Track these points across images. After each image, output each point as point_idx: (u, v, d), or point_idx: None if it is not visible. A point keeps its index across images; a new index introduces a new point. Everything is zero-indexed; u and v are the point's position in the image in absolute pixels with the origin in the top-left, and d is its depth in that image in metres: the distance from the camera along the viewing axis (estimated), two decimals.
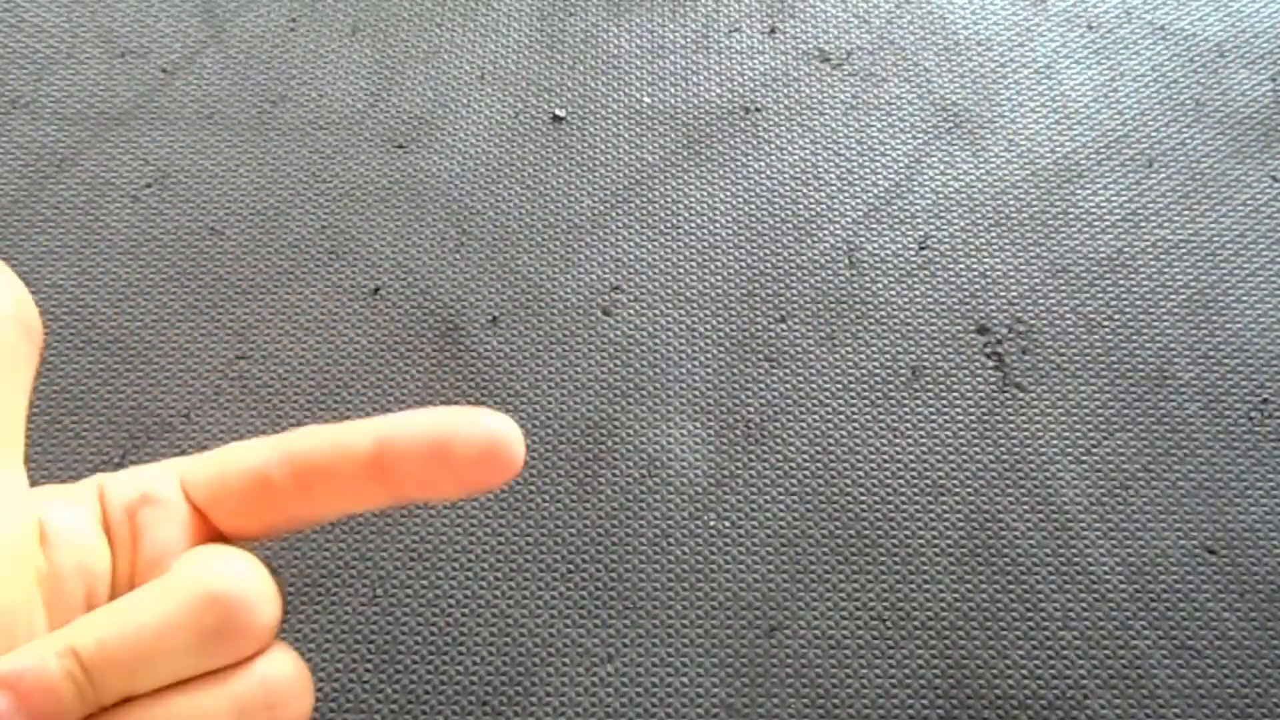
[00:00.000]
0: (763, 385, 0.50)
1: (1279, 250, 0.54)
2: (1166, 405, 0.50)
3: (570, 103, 0.58)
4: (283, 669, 0.18)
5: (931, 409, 0.50)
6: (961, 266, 0.54)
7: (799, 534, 0.47)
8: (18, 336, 0.20)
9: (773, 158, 0.57)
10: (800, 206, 0.55)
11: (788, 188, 0.56)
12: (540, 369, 0.50)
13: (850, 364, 0.51)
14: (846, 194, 0.56)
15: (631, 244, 0.54)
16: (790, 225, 0.55)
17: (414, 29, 0.61)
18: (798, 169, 0.56)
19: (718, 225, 0.55)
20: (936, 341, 0.52)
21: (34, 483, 0.19)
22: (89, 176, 0.55)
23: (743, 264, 0.54)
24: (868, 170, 0.56)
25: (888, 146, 0.57)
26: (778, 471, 0.48)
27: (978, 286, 0.53)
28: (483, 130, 0.57)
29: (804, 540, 0.47)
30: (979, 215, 0.55)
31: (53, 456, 0.48)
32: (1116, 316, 0.53)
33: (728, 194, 0.56)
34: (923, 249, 0.54)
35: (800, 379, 0.51)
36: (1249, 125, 0.58)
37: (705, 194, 0.56)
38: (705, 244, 0.54)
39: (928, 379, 0.51)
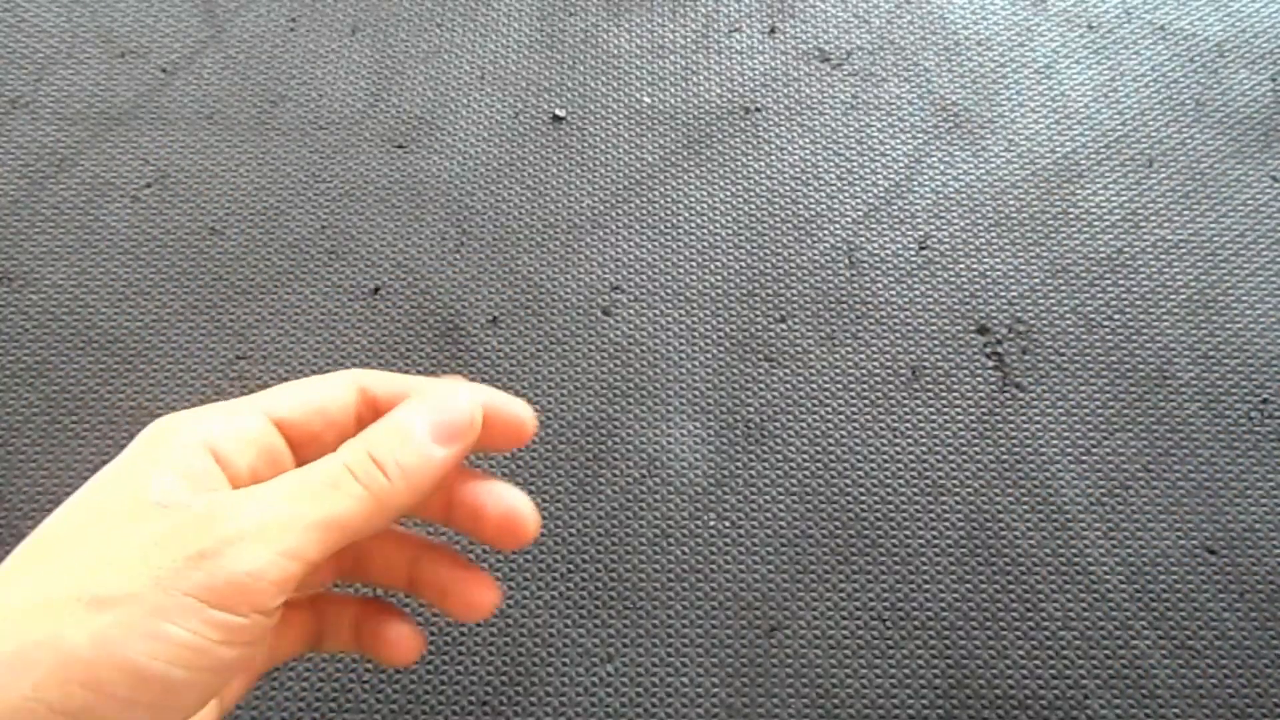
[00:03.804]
0: (763, 385, 0.50)
1: (1279, 250, 0.54)
2: (1166, 405, 0.50)
3: (570, 103, 0.58)
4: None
5: (931, 409, 0.50)
6: (961, 266, 0.54)
7: (799, 534, 0.47)
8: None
9: (773, 158, 0.57)
10: (800, 206, 0.55)
11: (788, 188, 0.56)
12: (540, 369, 0.50)
13: (850, 364, 0.51)
14: (846, 194, 0.56)
15: (631, 244, 0.54)
16: (790, 225, 0.55)
17: (414, 29, 0.61)
18: (798, 169, 0.56)
19: (718, 225, 0.55)
20: (936, 341, 0.52)
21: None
22: (89, 176, 0.55)
23: (743, 264, 0.54)
24: (868, 170, 0.56)
25: (888, 146, 0.57)
26: (778, 471, 0.48)
27: (978, 286, 0.53)
28: (483, 130, 0.57)
29: (804, 540, 0.47)
30: (979, 215, 0.55)
31: (53, 456, 0.48)
32: (1116, 316, 0.53)
33: (728, 194, 0.56)
34: (923, 249, 0.54)
35: (800, 379, 0.51)
36: (1249, 125, 0.58)
37: (705, 194, 0.56)
38: (705, 244, 0.54)
39: (928, 379, 0.51)
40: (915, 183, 0.56)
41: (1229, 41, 0.61)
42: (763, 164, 0.57)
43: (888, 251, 0.54)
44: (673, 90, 0.59)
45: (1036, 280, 0.54)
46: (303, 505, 0.21)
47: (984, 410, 0.50)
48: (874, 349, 0.52)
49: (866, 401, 0.50)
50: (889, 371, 0.51)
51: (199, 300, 0.52)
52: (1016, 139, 0.58)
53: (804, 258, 0.54)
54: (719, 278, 0.53)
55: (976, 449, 0.49)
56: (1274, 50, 0.61)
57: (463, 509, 0.25)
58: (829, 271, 0.54)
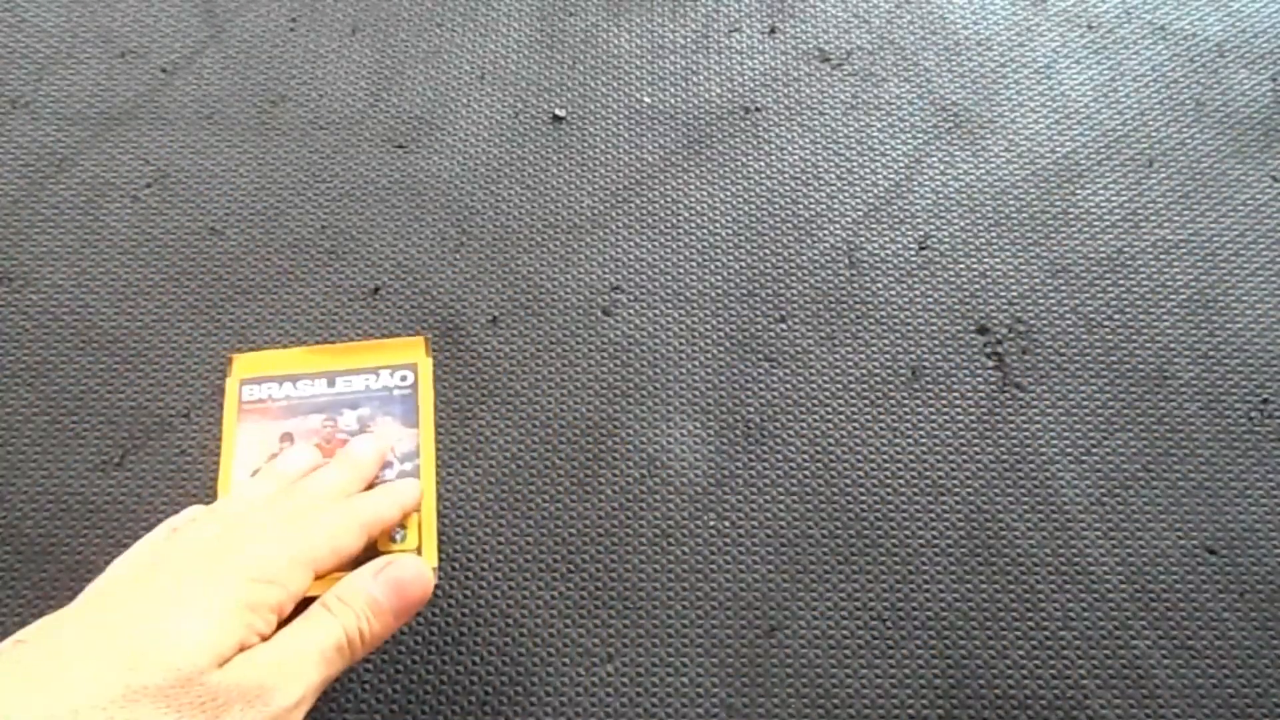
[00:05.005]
0: (763, 385, 0.50)
1: (1279, 250, 0.54)
2: (1166, 405, 0.50)
3: (570, 103, 0.58)
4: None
5: (931, 409, 0.50)
6: (961, 266, 0.54)
7: (799, 534, 0.47)
8: None
9: (773, 158, 0.57)
10: (800, 206, 0.55)
11: (788, 188, 0.56)
12: (540, 369, 0.50)
13: (850, 364, 0.51)
14: (846, 194, 0.56)
15: (631, 244, 0.54)
16: (790, 225, 0.55)
17: (414, 29, 0.61)
18: (798, 169, 0.56)
19: (718, 225, 0.55)
20: (936, 341, 0.52)
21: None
22: (89, 176, 0.55)
23: (743, 264, 0.54)
24: (868, 170, 0.56)
25: (888, 146, 0.57)
26: (778, 471, 0.48)
27: (978, 286, 0.53)
28: (483, 130, 0.57)
29: (804, 540, 0.47)
30: (979, 215, 0.55)
31: (53, 456, 0.48)
32: (1116, 316, 0.53)
33: (728, 194, 0.56)
34: (923, 249, 0.54)
35: (800, 379, 0.51)
36: (1249, 125, 0.58)
37: (705, 194, 0.56)
38: (705, 244, 0.54)
39: (928, 379, 0.51)
40: (915, 183, 0.56)
41: (1229, 41, 0.61)
42: (763, 164, 0.57)
43: (888, 251, 0.54)
44: (673, 90, 0.59)
45: (1036, 280, 0.54)
46: (321, 671, 0.31)
47: (984, 410, 0.50)
48: (874, 349, 0.52)
49: (866, 401, 0.50)
50: (889, 371, 0.51)
51: (199, 300, 0.52)
52: (1016, 139, 0.58)
53: (804, 258, 0.54)
54: (719, 278, 0.53)
55: (976, 449, 0.49)
56: (1274, 50, 0.61)
57: None
58: (829, 271, 0.54)
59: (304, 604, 0.34)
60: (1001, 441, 0.49)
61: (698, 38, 0.61)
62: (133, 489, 0.47)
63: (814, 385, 0.51)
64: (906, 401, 0.50)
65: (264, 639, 0.31)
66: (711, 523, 0.47)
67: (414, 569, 0.36)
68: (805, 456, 0.49)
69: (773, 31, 0.61)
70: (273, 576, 0.32)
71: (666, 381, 0.50)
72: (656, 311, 0.52)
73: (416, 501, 0.41)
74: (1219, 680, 0.44)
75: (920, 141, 0.58)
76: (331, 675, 0.32)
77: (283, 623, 0.32)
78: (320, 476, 0.39)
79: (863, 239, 0.54)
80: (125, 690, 0.26)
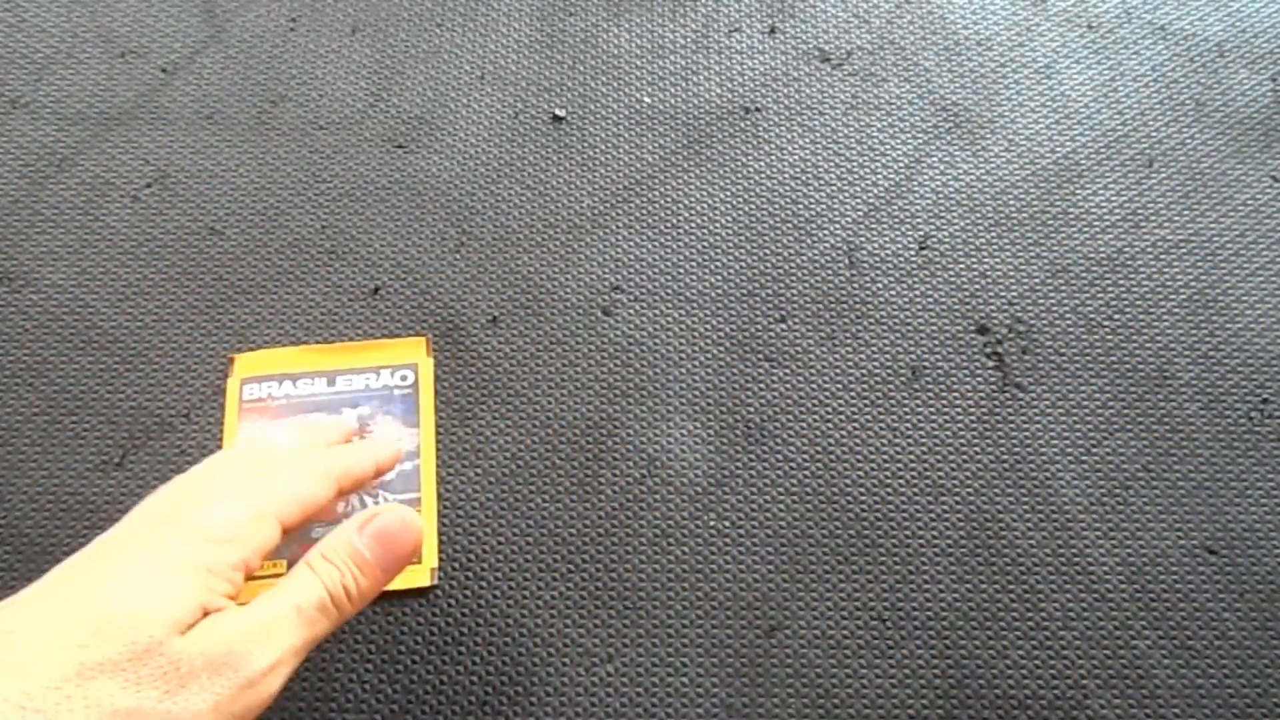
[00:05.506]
0: (763, 385, 0.50)
1: (1279, 250, 0.54)
2: (1166, 405, 0.50)
3: (570, 103, 0.58)
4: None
5: (931, 409, 0.50)
6: (961, 266, 0.54)
7: (799, 534, 0.47)
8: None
9: (773, 158, 0.57)
10: (800, 206, 0.55)
11: (788, 188, 0.56)
12: (540, 369, 0.50)
13: (850, 364, 0.51)
14: (846, 194, 0.56)
15: (631, 244, 0.54)
16: (790, 225, 0.55)
17: (414, 29, 0.61)
18: (798, 169, 0.56)
19: (718, 225, 0.55)
20: (936, 341, 0.52)
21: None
22: (89, 176, 0.55)
23: (743, 264, 0.54)
24: (868, 170, 0.56)
25: (888, 146, 0.57)
26: (778, 471, 0.48)
27: (978, 286, 0.53)
28: (483, 130, 0.57)
29: (804, 540, 0.47)
30: (979, 215, 0.55)
31: (53, 457, 0.48)
32: (1116, 316, 0.53)
33: (728, 194, 0.56)
34: (923, 249, 0.54)
35: (800, 379, 0.51)
36: (1249, 125, 0.58)
37: (705, 194, 0.56)
38: (705, 244, 0.54)
39: (928, 379, 0.51)
40: (915, 183, 0.56)
41: (1229, 41, 0.61)
42: (763, 164, 0.57)
43: (888, 251, 0.54)
44: (673, 90, 0.59)
45: (1036, 280, 0.54)
46: (301, 632, 0.31)
47: (984, 410, 0.50)
48: (874, 349, 0.52)
49: (866, 401, 0.50)
50: (889, 371, 0.51)
51: (199, 300, 0.52)
52: (1016, 139, 0.58)
53: (804, 258, 0.54)
54: (719, 278, 0.53)
55: (976, 449, 0.49)
56: (1274, 50, 0.61)
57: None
58: (829, 271, 0.54)
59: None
60: (1001, 441, 0.49)
61: (698, 38, 0.61)
62: (133, 489, 0.47)
63: (814, 385, 0.51)
64: (906, 401, 0.50)
65: (234, 600, 0.30)
66: (711, 523, 0.47)
67: (400, 519, 0.35)
68: (805, 456, 0.49)
69: (773, 31, 0.61)
70: (231, 535, 0.31)
71: (666, 381, 0.50)
72: (656, 311, 0.52)
73: (392, 460, 0.41)
74: (1219, 680, 0.44)
75: (920, 141, 0.58)
76: (316, 636, 0.31)
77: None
78: (282, 437, 0.39)
79: (863, 239, 0.54)
80: (79, 668, 0.26)
